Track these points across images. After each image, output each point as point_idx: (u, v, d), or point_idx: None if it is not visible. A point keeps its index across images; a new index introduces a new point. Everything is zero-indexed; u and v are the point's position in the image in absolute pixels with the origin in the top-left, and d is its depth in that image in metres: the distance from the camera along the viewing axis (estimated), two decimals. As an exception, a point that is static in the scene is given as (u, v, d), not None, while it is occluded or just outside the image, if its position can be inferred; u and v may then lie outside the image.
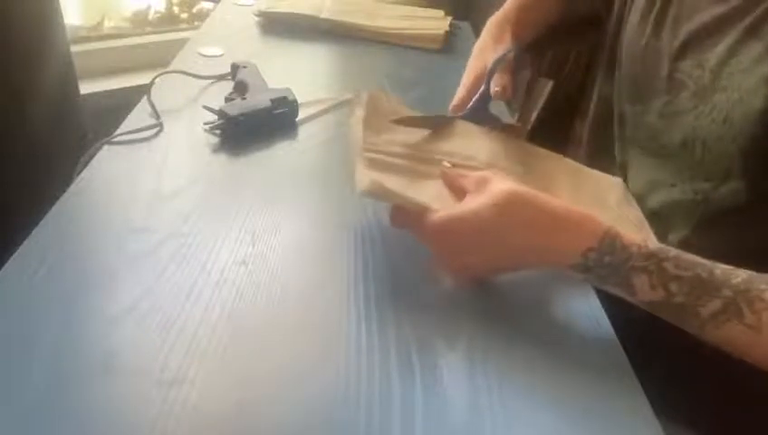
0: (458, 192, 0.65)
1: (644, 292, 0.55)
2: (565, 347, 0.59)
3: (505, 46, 0.84)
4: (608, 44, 0.88)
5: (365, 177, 0.62)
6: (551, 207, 0.59)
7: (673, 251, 0.56)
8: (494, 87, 0.79)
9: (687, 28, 0.71)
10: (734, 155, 0.64)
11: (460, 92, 0.84)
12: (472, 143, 0.75)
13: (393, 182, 0.64)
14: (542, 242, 0.58)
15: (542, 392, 0.54)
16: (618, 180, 0.79)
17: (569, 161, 0.79)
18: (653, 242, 0.58)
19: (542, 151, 0.80)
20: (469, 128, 0.78)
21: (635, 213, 0.74)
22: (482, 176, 0.62)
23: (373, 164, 0.66)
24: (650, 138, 0.75)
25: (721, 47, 0.66)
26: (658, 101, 0.73)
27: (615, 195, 0.76)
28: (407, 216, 0.63)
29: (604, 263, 0.56)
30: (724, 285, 0.53)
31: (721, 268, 0.54)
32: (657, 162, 0.74)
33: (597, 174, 0.79)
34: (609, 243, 0.56)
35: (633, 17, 0.80)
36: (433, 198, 0.64)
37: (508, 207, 0.58)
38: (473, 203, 0.59)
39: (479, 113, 0.81)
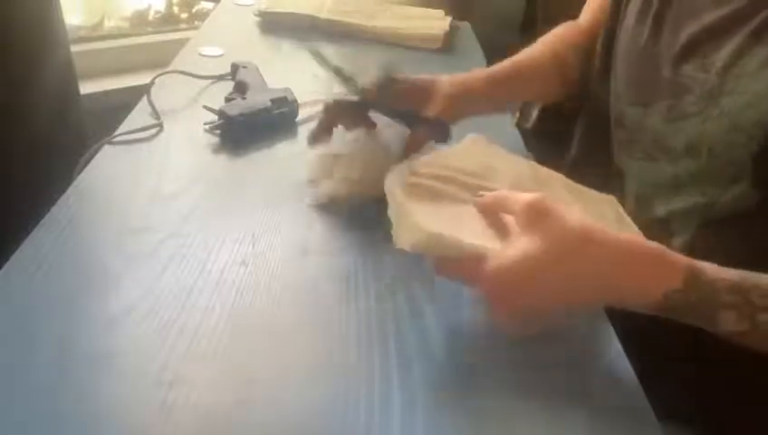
0: (498, 223, 0.59)
1: (727, 324, 0.52)
2: (565, 346, 0.59)
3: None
4: (601, 47, 0.87)
5: (415, 230, 0.55)
6: (620, 244, 0.53)
7: (751, 278, 0.53)
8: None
9: (689, 30, 0.70)
10: (745, 160, 0.64)
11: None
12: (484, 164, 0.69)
13: (437, 219, 0.57)
14: (616, 284, 0.52)
15: (540, 393, 0.54)
16: (610, 197, 0.76)
17: (564, 178, 0.76)
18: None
19: (542, 169, 0.75)
20: (478, 149, 0.72)
21: (632, 229, 0.72)
22: (531, 206, 0.53)
23: (413, 191, 0.60)
24: (653, 141, 0.74)
25: (726, 50, 0.66)
26: (661, 105, 0.73)
27: (611, 211, 0.74)
28: (454, 265, 0.56)
29: (690, 302, 0.52)
30: None
31: None
32: (659, 166, 0.74)
33: (590, 191, 0.76)
34: (694, 281, 0.52)
35: (629, 19, 0.79)
36: (479, 233, 0.58)
37: (571, 251, 0.52)
38: (530, 246, 0.52)
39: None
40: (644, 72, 0.76)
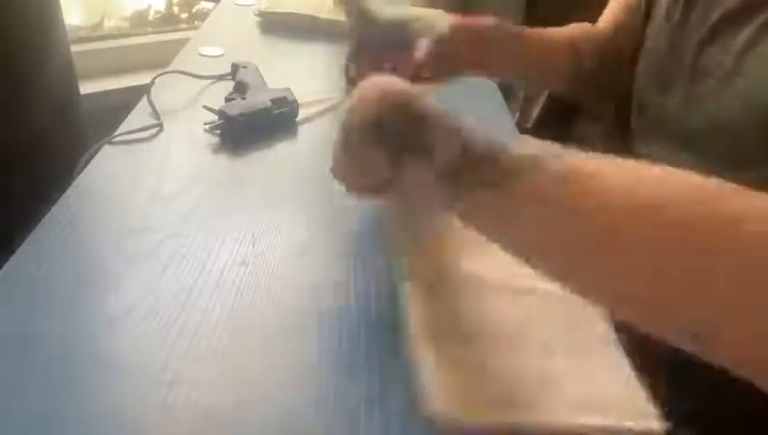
0: None
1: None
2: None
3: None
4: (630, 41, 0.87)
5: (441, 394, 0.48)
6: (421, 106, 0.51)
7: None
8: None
9: (716, 15, 0.71)
10: (755, 142, 0.64)
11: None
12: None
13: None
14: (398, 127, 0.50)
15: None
16: None
17: None
18: None
19: None
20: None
21: None
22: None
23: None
24: (673, 126, 0.75)
25: (744, 34, 0.66)
26: (682, 88, 0.73)
27: None
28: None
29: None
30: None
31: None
32: (677, 151, 0.74)
33: None
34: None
35: (659, 9, 0.80)
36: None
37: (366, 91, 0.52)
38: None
39: None
40: (672, 56, 0.76)
